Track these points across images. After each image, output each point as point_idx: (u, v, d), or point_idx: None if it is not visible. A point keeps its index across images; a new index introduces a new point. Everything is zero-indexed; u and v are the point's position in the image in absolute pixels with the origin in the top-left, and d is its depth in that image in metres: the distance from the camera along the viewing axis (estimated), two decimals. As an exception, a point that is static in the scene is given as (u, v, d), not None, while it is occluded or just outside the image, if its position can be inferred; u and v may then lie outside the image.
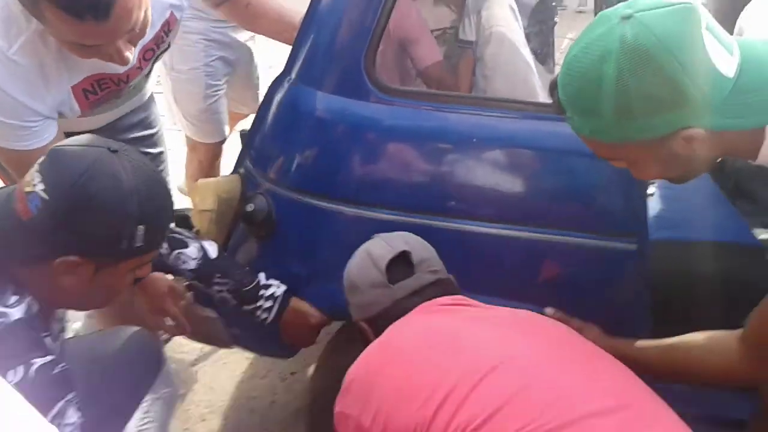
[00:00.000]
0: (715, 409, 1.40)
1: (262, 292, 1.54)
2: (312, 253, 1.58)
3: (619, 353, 1.10)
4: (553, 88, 1.09)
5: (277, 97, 1.60)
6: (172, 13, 1.60)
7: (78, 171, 1.06)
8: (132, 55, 1.40)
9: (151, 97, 1.92)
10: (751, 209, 1.73)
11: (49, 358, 1.07)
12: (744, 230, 1.62)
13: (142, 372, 1.53)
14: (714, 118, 0.97)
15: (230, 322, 1.69)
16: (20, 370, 1.03)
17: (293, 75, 1.58)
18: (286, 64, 1.61)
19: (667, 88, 0.94)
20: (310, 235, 1.56)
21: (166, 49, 1.71)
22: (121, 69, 1.53)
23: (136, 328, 1.55)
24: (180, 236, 1.51)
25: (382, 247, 1.27)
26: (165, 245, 1.47)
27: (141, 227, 1.11)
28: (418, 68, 2.12)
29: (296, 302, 1.56)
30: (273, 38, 1.86)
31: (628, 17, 0.94)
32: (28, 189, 1.08)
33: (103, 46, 1.34)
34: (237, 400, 2.20)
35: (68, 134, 1.68)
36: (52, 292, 1.13)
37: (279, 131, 1.60)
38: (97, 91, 1.55)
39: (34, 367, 1.05)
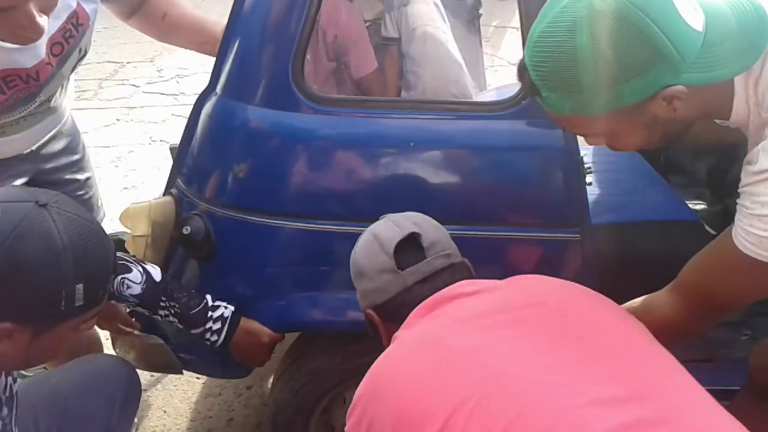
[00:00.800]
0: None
1: (210, 314, 1.49)
2: (257, 271, 1.54)
3: None
4: (522, 70, 1.06)
5: (205, 113, 1.54)
6: (79, 4, 1.51)
7: (4, 232, 0.98)
8: (45, 24, 1.32)
9: (73, 122, 1.83)
10: (684, 182, 1.78)
11: None
12: (680, 205, 1.66)
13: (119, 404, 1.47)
14: (691, 73, 0.97)
15: (179, 347, 1.63)
16: None
17: (219, 89, 1.52)
18: (211, 77, 1.55)
19: (644, 48, 0.94)
20: (253, 253, 1.52)
21: (83, 56, 1.61)
22: (29, 63, 1.45)
23: (104, 358, 1.49)
24: (122, 261, 1.45)
25: (389, 228, 1.17)
26: None
27: (80, 286, 1.03)
28: (354, 77, 2.08)
29: (246, 322, 1.52)
30: (194, 50, 1.78)
31: None
32: None
33: (16, 11, 1.26)
34: (193, 421, 2.14)
35: None
36: None
37: (211, 149, 1.54)
38: (4, 90, 1.46)
39: None
